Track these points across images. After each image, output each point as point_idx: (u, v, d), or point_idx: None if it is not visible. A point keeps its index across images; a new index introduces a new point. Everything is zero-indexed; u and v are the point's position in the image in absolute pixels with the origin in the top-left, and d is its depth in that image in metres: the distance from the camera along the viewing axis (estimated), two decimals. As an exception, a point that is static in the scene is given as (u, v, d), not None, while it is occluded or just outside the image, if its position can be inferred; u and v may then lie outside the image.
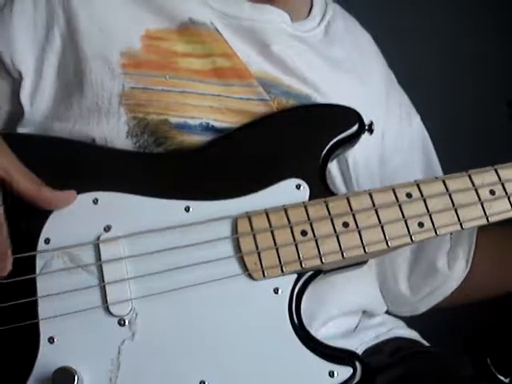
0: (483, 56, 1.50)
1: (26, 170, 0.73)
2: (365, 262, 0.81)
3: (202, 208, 0.77)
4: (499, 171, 0.83)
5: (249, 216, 0.76)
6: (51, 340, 0.71)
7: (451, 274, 0.97)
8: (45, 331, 0.71)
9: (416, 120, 1.05)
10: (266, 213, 0.77)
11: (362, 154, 0.91)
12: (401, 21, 1.09)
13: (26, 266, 0.72)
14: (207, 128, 0.82)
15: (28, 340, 0.70)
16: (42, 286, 0.72)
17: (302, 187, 0.79)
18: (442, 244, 0.98)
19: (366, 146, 0.90)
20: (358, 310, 0.93)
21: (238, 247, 0.75)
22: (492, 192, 0.81)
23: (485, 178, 0.82)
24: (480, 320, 1.12)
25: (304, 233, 0.77)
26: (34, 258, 0.73)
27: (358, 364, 0.73)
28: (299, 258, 0.75)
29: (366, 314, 0.96)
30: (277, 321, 0.73)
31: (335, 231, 0.77)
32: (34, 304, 0.71)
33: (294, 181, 0.79)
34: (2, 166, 0.71)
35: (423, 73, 1.30)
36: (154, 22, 0.84)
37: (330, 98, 0.88)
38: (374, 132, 0.92)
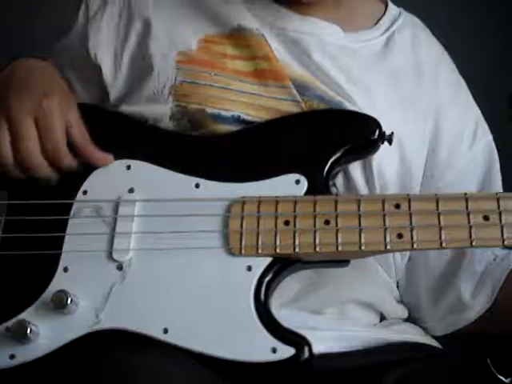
0: (483, 56, 1.39)
1: (83, 129, 0.93)
2: (347, 262, 0.87)
3: (210, 187, 0.89)
4: (501, 200, 0.82)
5: (243, 201, 0.86)
6: (66, 269, 0.88)
7: (472, 304, 0.97)
8: (63, 261, 0.88)
9: (481, 142, 1.03)
10: (259, 201, 0.86)
11: (391, 165, 0.95)
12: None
13: (64, 209, 0.91)
14: (238, 120, 0.94)
15: (48, 265, 0.88)
16: (71, 227, 0.90)
17: (300, 183, 0.87)
18: (472, 270, 0.97)
19: (394, 158, 0.94)
20: (369, 305, 0.98)
21: (226, 225, 0.86)
22: (486, 218, 0.82)
23: (482, 204, 0.82)
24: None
25: (287, 223, 0.85)
26: (71, 204, 0.91)
27: (305, 349, 0.80)
28: (275, 243, 0.84)
29: (385, 318, 1.00)
30: (242, 292, 0.83)
31: (315, 226, 0.84)
32: (62, 239, 0.89)
33: (295, 176, 0.88)
34: (69, 118, 0.92)
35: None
36: (211, 28, 0.99)
37: (364, 108, 0.93)
38: (416, 147, 0.96)
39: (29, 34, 1.55)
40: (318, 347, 0.87)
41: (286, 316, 0.89)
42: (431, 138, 1.00)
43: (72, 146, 0.92)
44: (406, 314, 1.03)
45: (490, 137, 1.05)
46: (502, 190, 1.01)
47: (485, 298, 0.96)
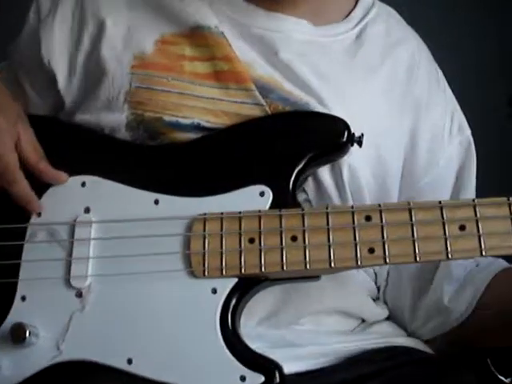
0: (483, 56, 1.34)
1: (35, 142, 0.87)
2: (318, 277, 0.82)
3: (170, 203, 0.84)
4: (477, 207, 0.77)
5: (205, 218, 0.81)
6: (23, 298, 0.83)
7: (451, 309, 0.92)
8: (20, 290, 0.84)
9: (458, 137, 0.98)
10: (221, 217, 0.81)
11: (365, 166, 0.89)
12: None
13: (17, 234, 0.86)
14: (198, 127, 0.87)
15: (5, 295, 0.84)
16: (27, 252, 0.85)
17: (265, 195, 0.82)
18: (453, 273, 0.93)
19: (369, 158, 0.88)
20: (347, 311, 0.94)
21: (188, 245, 0.81)
22: (462, 227, 0.77)
23: (457, 212, 0.77)
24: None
25: (252, 240, 0.80)
26: (25, 227, 0.86)
27: (276, 375, 0.76)
28: (240, 264, 0.79)
29: (364, 322, 0.96)
30: (207, 318, 0.78)
31: (282, 244, 0.79)
32: (18, 266, 0.85)
33: (260, 187, 0.82)
34: (16, 132, 0.85)
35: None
36: (168, 27, 0.91)
37: (333, 108, 0.87)
38: (392, 146, 0.91)
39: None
40: (298, 365, 0.84)
41: (262, 334, 0.86)
42: (409, 136, 0.94)
43: (22, 163, 0.86)
44: (386, 313, 0.99)
45: (468, 131, 0.99)
46: (474, 187, 0.97)
47: (464, 304, 0.91)
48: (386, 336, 0.95)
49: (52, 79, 0.95)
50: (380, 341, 0.93)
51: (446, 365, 0.89)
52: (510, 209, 0.76)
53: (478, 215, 0.77)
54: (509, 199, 0.76)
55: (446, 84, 1.01)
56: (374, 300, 0.98)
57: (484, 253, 0.76)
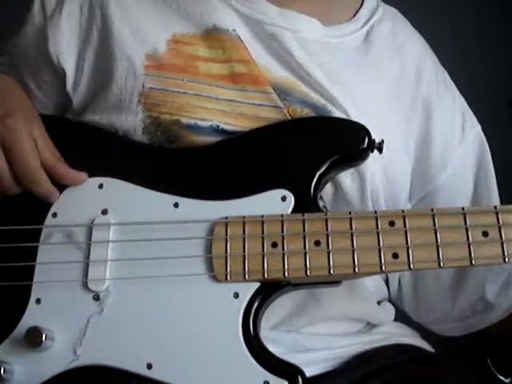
0: (483, 56, 1.37)
1: (51, 144, 0.85)
2: (339, 282, 0.82)
3: (189, 206, 0.83)
4: (500, 214, 0.78)
5: (226, 222, 0.80)
6: (38, 301, 0.82)
7: (496, 304, 0.93)
8: (35, 293, 0.82)
9: (471, 134, 0.98)
10: (243, 221, 0.80)
11: (379, 171, 0.89)
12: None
13: (32, 235, 0.84)
14: (217, 130, 0.87)
15: (19, 298, 0.82)
16: (41, 254, 0.83)
17: (287, 199, 0.81)
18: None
19: (381, 161, 0.89)
20: (358, 317, 0.94)
21: (209, 249, 0.80)
22: (485, 234, 0.77)
23: (481, 218, 0.78)
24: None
25: (274, 245, 0.79)
26: (40, 228, 0.84)
27: (299, 380, 0.75)
28: (263, 268, 0.78)
29: (370, 324, 0.96)
30: (229, 322, 0.77)
31: (305, 248, 0.78)
32: (32, 268, 0.83)
33: (281, 192, 0.82)
34: (34, 134, 0.84)
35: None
36: (180, 26, 0.90)
37: (346, 110, 0.87)
38: (401, 147, 0.91)
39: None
40: (312, 369, 0.84)
41: (276, 338, 0.85)
42: (421, 136, 0.95)
43: (40, 163, 0.84)
44: (393, 316, 0.99)
45: (479, 127, 1.00)
46: (495, 183, 0.97)
47: (509, 300, 0.92)
48: (395, 336, 0.95)
49: (61, 77, 0.93)
50: (389, 341, 0.93)
51: (448, 363, 0.89)
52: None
53: (501, 222, 0.77)
54: (531, 206, 0.77)
55: (453, 83, 1.02)
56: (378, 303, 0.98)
57: (507, 259, 0.76)
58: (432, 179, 0.96)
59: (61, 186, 0.86)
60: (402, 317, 1.02)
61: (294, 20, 0.91)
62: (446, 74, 1.02)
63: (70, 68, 0.92)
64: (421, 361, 0.90)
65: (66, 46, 0.92)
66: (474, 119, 1.01)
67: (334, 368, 0.87)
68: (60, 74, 0.93)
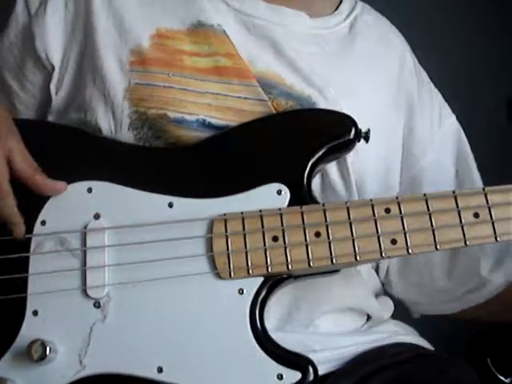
0: (483, 55, 1.43)
1: (27, 154, 0.82)
2: (338, 271, 0.83)
3: (184, 205, 0.82)
4: (488, 195, 0.81)
5: (225, 218, 0.80)
6: (35, 313, 0.79)
7: (490, 280, 0.97)
8: (31, 304, 0.79)
9: (449, 120, 1.03)
10: (242, 217, 0.80)
11: (369, 158, 0.91)
12: (399, 21, 1.07)
13: (21, 245, 0.81)
14: (203, 124, 0.86)
15: (15, 311, 0.79)
16: (34, 264, 0.81)
17: (282, 193, 0.82)
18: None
19: (375, 150, 0.91)
20: (351, 309, 0.95)
21: (210, 247, 0.80)
22: (476, 215, 0.80)
23: (471, 200, 0.81)
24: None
25: (275, 238, 0.80)
26: (30, 237, 0.82)
27: (310, 371, 0.77)
28: (267, 262, 0.79)
29: (370, 319, 0.98)
30: (237, 319, 0.78)
31: (306, 240, 0.79)
32: (25, 280, 0.80)
33: (276, 186, 0.82)
34: (8, 146, 0.80)
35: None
36: (165, 21, 0.89)
37: (335, 100, 0.89)
38: (391, 134, 0.93)
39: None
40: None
41: (280, 339, 0.85)
42: (406, 122, 0.98)
43: (17, 177, 0.81)
44: (391, 310, 1.02)
45: (454, 117, 1.04)
46: (478, 175, 1.01)
47: (502, 275, 0.95)
48: (396, 335, 0.97)
49: (47, 74, 0.92)
50: (391, 340, 0.95)
51: (450, 362, 0.92)
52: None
53: (490, 203, 0.81)
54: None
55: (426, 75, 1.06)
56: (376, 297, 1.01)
57: (499, 239, 0.80)
58: (416, 160, 0.98)
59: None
60: (401, 316, 1.04)
61: (282, 13, 0.93)
62: (420, 66, 1.05)
63: (57, 64, 0.91)
64: (422, 360, 0.92)
65: (53, 42, 0.91)
66: (449, 109, 1.05)
67: (337, 368, 0.88)
68: (47, 71, 0.92)
